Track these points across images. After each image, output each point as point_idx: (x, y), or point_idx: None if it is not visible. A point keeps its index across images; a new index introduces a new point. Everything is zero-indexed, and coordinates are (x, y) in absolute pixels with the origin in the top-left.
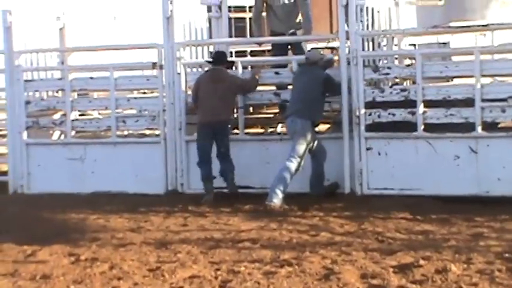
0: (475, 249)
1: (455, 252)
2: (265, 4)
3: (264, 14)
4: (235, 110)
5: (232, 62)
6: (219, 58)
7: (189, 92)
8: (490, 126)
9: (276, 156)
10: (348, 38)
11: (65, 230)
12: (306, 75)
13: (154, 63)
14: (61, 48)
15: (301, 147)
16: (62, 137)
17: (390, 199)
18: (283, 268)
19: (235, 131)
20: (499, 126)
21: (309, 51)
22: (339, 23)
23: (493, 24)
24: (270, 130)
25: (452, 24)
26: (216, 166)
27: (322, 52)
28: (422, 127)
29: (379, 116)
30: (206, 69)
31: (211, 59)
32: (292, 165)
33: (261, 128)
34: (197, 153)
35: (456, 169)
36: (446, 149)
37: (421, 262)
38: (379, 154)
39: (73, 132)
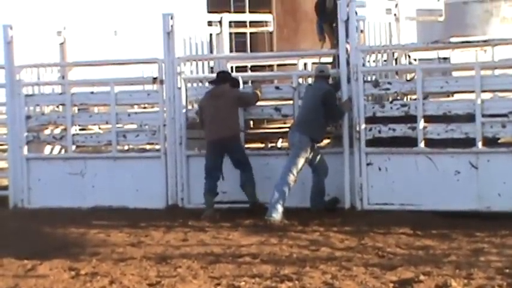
0: (475, 265)
1: (456, 267)
2: None
3: None
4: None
5: (237, 80)
6: (222, 77)
7: (190, 107)
8: (491, 142)
9: (276, 171)
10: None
11: (65, 244)
12: (312, 89)
13: (154, 78)
14: (62, 62)
15: (298, 161)
16: (63, 151)
17: (390, 214)
18: (283, 283)
19: None
20: (499, 141)
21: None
22: (339, 38)
23: (493, 39)
24: (270, 145)
25: (452, 39)
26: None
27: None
28: (423, 142)
29: (379, 131)
30: (208, 89)
31: (213, 80)
32: (290, 178)
33: (261, 143)
34: (205, 169)
35: (457, 184)
36: (447, 164)
37: (422, 277)
38: (380, 169)
39: (74, 147)
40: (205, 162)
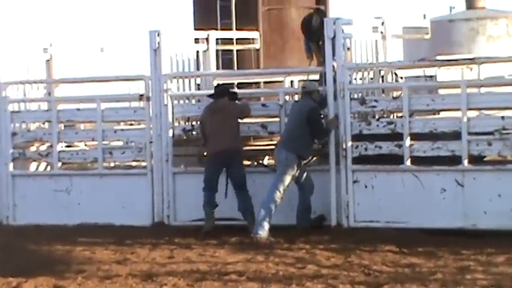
0: (461, 283)
1: (442, 285)
2: None
3: None
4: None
5: (235, 94)
6: (220, 92)
7: (176, 124)
8: (477, 160)
9: (262, 188)
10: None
11: (51, 261)
12: (298, 106)
13: (141, 95)
14: (48, 79)
15: (285, 178)
16: (48, 168)
17: (377, 232)
18: None
19: None
20: (485, 159)
21: (305, 81)
22: (326, 56)
23: (479, 57)
24: (256, 162)
25: (439, 57)
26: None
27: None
28: (409, 160)
29: (366, 149)
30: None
31: (212, 94)
32: (276, 195)
33: (248, 160)
34: (203, 181)
35: (443, 202)
36: (433, 182)
37: None
38: (366, 187)
39: (59, 164)
40: (205, 174)
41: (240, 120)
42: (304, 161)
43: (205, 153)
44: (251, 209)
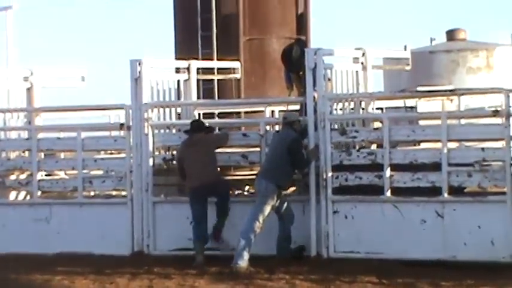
0: None
1: None
2: None
3: None
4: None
5: (211, 128)
6: (196, 126)
7: (157, 153)
8: (457, 191)
9: (242, 218)
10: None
11: None
12: (279, 136)
13: (122, 124)
14: (28, 108)
15: (265, 208)
16: (28, 197)
17: (356, 262)
18: None
19: None
20: (466, 190)
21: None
22: (306, 86)
23: (459, 89)
24: (237, 192)
25: (419, 88)
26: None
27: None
28: (389, 191)
29: (346, 179)
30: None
31: (188, 130)
32: (256, 225)
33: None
34: (192, 217)
35: (423, 233)
36: (413, 213)
37: None
38: (346, 217)
39: (39, 193)
40: (192, 210)
41: (219, 150)
42: (284, 191)
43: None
44: (225, 218)
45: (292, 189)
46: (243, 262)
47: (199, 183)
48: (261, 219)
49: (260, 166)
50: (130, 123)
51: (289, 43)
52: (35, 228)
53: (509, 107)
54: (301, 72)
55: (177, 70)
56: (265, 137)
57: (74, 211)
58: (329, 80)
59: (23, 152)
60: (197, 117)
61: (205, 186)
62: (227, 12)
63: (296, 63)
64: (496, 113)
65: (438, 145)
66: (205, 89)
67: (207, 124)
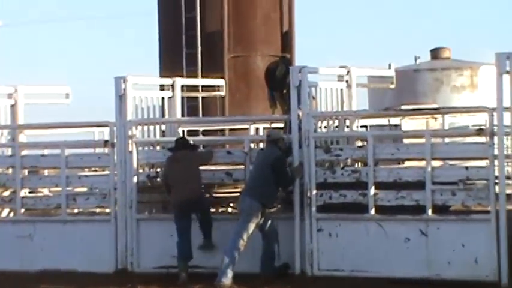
0: None
1: None
2: None
3: None
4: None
5: (195, 146)
6: (181, 144)
7: (141, 171)
8: (442, 209)
9: (226, 235)
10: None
11: None
12: (263, 154)
13: (106, 141)
14: (12, 125)
15: (249, 226)
16: (11, 214)
17: (340, 280)
18: None
19: None
20: (450, 209)
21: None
22: (291, 104)
23: (443, 107)
24: (220, 210)
25: (403, 107)
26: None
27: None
28: (373, 209)
29: (330, 197)
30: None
31: (172, 147)
32: (240, 243)
33: (212, 207)
34: (177, 234)
35: (407, 251)
36: (397, 231)
37: None
38: (330, 235)
39: (22, 210)
40: (176, 226)
41: (203, 167)
42: (269, 209)
43: (169, 201)
44: (210, 232)
45: (276, 207)
46: (227, 280)
47: (183, 199)
48: (245, 237)
49: (244, 184)
50: (115, 141)
51: (272, 61)
52: (19, 245)
53: (493, 125)
54: (284, 91)
55: (162, 87)
56: (250, 155)
57: (57, 228)
58: (313, 98)
59: (7, 169)
60: (182, 135)
61: (189, 202)
62: (212, 29)
63: (280, 82)
64: (480, 132)
65: (422, 163)
66: (190, 107)
67: (191, 142)
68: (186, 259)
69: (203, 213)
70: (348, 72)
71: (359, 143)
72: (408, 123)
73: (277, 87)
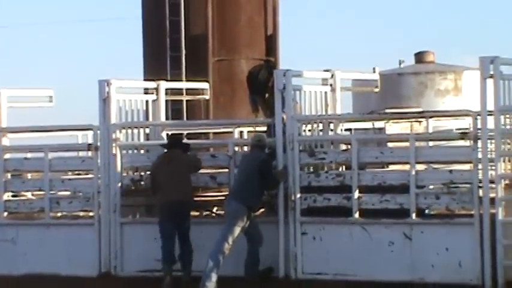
0: None
1: None
2: None
3: None
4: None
5: (188, 145)
6: (173, 142)
7: (125, 174)
8: (424, 213)
9: (210, 239)
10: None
11: None
12: (248, 158)
13: (89, 145)
14: None
15: (234, 229)
16: None
17: (325, 284)
18: None
19: None
20: (432, 213)
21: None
22: (275, 107)
23: (428, 111)
24: (205, 213)
25: (388, 110)
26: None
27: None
28: (358, 213)
29: (314, 201)
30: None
31: (165, 144)
32: (225, 247)
33: (196, 211)
34: (160, 236)
35: (390, 255)
36: (381, 235)
37: None
38: (314, 239)
39: (5, 213)
40: (160, 229)
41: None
42: (254, 213)
43: (153, 204)
44: (191, 263)
45: (261, 210)
46: (211, 284)
47: (170, 200)
48: (230, 240)
49: (228, 187)
50: (98, 144)
51: (255, 66)
52: (2, 249)
53: (477, 129)
54: (267, 95)
55: (146, 91)
56: (234, 158)
57: (40, 232)
58: (296, 102)
59: None
60: (174, 134)
61: (177, 204)
62: (196, 33)
63: (262, 86)
64: (464, 136)
65: (406, 167)
66: (174, 110)
67: (184, 140)
68: (170, 263)
69: (185, 228)
70: (332, 75)
71: (343, 147)
72: (392, 127)
73: (259, 92)
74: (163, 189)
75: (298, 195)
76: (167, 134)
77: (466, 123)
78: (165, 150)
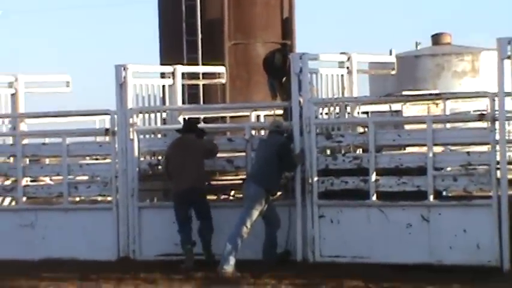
0: None
1: None
2: None
3: None
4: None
5: (203, 130)
6: (189, 127)
7: (142, 159)
8: (442, 195)
9: (228, 223)
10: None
11: None
12: (268, 142)
13: (107, 130)
14: (13, 113)
15: (253, 213)
16: (13, 203)
17: (342, 267)
18: None
19: None
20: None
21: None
22: (292, 91)
23: (445, 93)
24: (222, 197)
25: (404, 93)
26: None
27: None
28: (375, 195)
29: (332, 184)
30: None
31: (180, 129)
32: (243, 230)
33: (214, 194)
34: (177, 222)
35: (408, 237)
36: (399, 217)
37: None
38: (332, 222)
39: (24, 198)
40: (176, 215)
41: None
42: (272, 196)
43: (170, 188)
44: (210, 241)
45: (278, 194)
46: (229, 267)
47: (185, 187)
48: (248, 224)
49: (245, 171)
50: (116, 129)
51: (271, 50)
52: (21, 234)
53: (495, 111)
54: (284, 79)
55: (162, 75)
56: (251, 142)
57: (59, 217)
58: (313, 86)
59: (8, 158)
60: (190, 119)
61: (189, 191)
62: (212, 17)
63: (278, 70)
64: (481, 117)
65: (424, 149)
66: (191, 94)
67: (200, 125)
68: (189, 245)
69: (201, 209)
70: (349, 58)
71: (360, 130)
72: (409, 109)
73: (276, 76)
74: (175, 175)
75: (316, 179)
76: (184, 118)
77: (483, 104)
78: (179, 135)
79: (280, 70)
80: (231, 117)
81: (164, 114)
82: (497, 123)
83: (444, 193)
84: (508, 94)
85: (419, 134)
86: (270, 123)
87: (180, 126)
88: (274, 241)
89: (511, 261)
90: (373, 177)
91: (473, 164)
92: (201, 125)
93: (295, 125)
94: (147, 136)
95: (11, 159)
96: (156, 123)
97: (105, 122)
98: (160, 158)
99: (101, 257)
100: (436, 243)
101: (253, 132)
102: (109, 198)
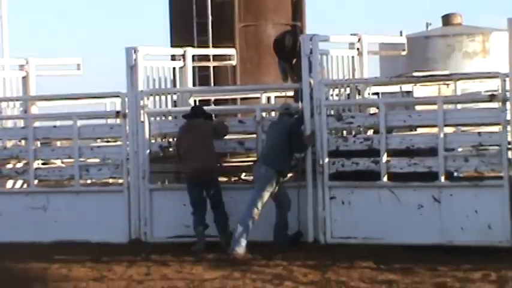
0: None
1: None
2: None
3: None
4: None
5: (210, 115)
6: (195, 112)
7: (153, 141)
8: (453, 176)
9: (239, 205)
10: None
11: (27, 279)
12: (279, 124)
13: (118, 112)
14: (24, 96)
15: (264, 194)
16: (25, 185)
17: (354, 248)
18: None
19: None
20: (460, 176)
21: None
22: (302, 72)
23: (456, 74)
24: (233, 179)
25: (415, 74)
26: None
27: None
28: (386, 176)
29: (342, 165)
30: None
31: (187, 114)
32: (254, 212)
33: (225, 177)
34: (190, 203)
35: (419, 218)
36: (410, 198)
37: None
38: (343, 203)
39: (36, 181)
40: (189, 198)
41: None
42: (283, 178)
43: (181, 170)
44: (227, 226)
45: (289, 175)
46: (241, 249)
47: (196, 169)
48: (259, 205)
49: (256, 153)
50: (126, 111)
51: (281, 32)
52: (32, 217)
53: (506, 91)
54: (294, 61)
55: (173, 57)
56: (262, 124)
57: (70, 199)
58: (323, 67)
59: (19, 140)
60: (196, 104)
61: (201, 172)
62: None
63: (289, 52)
64: (492, 98)
65: (434, 130)
66: (201, 76)
67: (206, 110)
68: (201, 228)
69: (214, 193)
70: (359, 39)
71: (371, 111)
72: (420, 90)
73: (286, 58)
74: (186, 158)
75: (326, 160)
76: (195, 101)
77: (494, 85)
78: (186, 121)
79: (291, 52)
80: (242, 99)
81: (175, 97)
82: (508, 103)
83: (455, 174)
84: None
85: (430, 115)
86: (280, 105)
87: (188, 111)
88: (285, 223)
89: None
90: (384, 158)
91: (484, 145)
92: (210, 107)
93: (306, 106)
94: (158, 118)
95: (23, 142)
96: (166, 105)
97: (116, 104)
98: (171, 140)
99: (112, 239)
100: (447, 224)
101: (263, 114)
102: (120, 181)
